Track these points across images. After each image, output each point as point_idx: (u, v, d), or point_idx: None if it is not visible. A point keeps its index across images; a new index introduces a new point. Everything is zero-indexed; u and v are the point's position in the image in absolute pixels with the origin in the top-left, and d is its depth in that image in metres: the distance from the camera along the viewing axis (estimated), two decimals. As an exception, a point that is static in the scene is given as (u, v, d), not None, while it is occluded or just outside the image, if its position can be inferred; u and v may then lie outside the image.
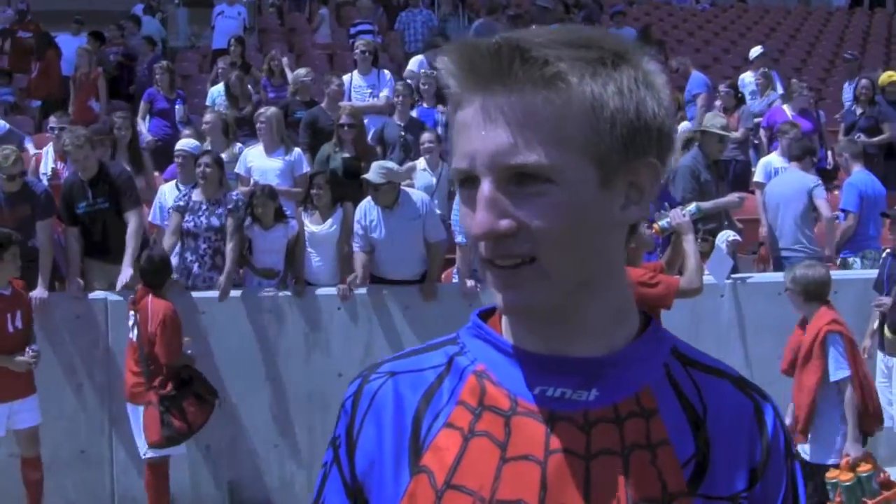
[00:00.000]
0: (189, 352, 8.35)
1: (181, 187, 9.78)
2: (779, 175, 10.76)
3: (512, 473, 1.45)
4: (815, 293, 6.95)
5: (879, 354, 8.28)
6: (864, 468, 6.83)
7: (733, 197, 10.04)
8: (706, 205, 9.47)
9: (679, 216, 7.66)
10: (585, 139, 1.39)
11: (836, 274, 8.24)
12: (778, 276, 9.54)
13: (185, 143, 10.42)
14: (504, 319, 1.56)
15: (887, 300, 7.74)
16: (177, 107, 13.60)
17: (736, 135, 10.30)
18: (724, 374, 1.57)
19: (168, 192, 9.87)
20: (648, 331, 1.56)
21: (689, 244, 7.56)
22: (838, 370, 6.89)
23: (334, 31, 20.23)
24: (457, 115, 1.44)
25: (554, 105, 1.38)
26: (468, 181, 1.43)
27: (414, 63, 14.51)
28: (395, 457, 1.51)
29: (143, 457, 8.24)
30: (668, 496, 1.46)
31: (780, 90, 15.68)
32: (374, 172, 9.04)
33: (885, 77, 14.81)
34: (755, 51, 16.73)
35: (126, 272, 8.73)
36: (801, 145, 10.81)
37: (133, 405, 8.20)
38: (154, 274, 8.19)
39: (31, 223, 8.83)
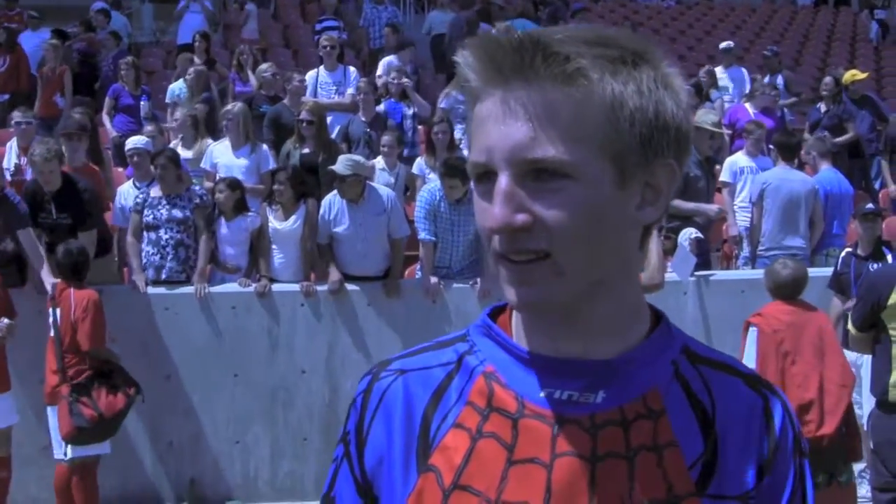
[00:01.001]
0: (113, 349, 8.20)
1: (138, 184, 9.78)
2: (774, 172, 10.59)
3: (518, 475, 1.45)
4: (772, 291, 6.99)
5: (846, 352, 8.31)
6: None
7: (713, 207, 10.01)
8: (688, 206, 9.50)
9: None
10: (604, 137, 1.39)
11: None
12: (742, 274, 9.62)
13: (137, 140, 10.37)
14: (514, 318, 1.56)
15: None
16: (142, 103, 13.48)
17: (728, 131, 10.24)
18: (735, 370, 1.57)
19: (127, 193, 9.80)
20: (658, 329, 1.55)
21: (652, 241, 7.58)
22: (745, 360, 6.98)
23: (270, 26, 20.19)
24: (475, 108, 1.44)
25: (574, 101, 1.38)
26: (485, 175, 1.43)
27: (382, 66, 14.47)
28: (404, 455, 1.52)
29: (64, 458, 7.96)
30: (675, 498, 1.46)
31: (747, 87, 15.78)
32: (342, 164, 9.06)
33: (849, 76, 14.93)
34: (724, 45, 16.85)
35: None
36: (790, 142, 10.82)
37: (51, 407, 7.99)
38: (73, 267, 8.07)
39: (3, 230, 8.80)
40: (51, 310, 8.04)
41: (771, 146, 11.63)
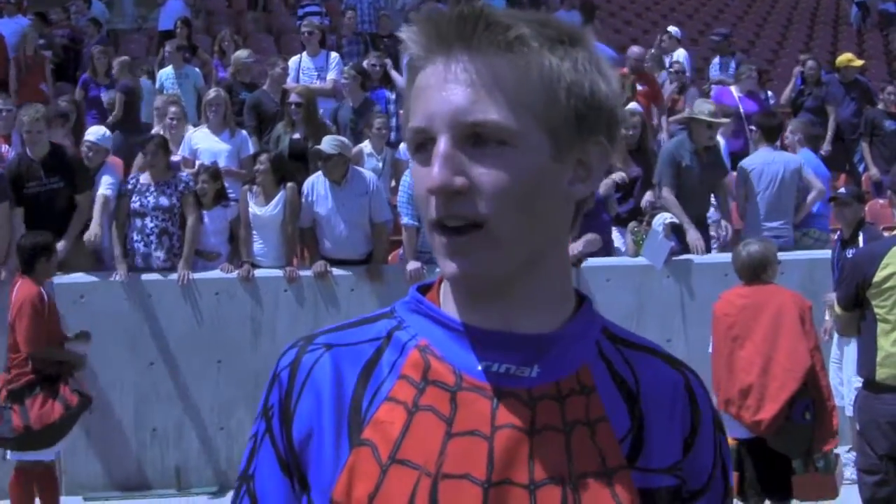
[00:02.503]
0: (81, 350, 7.84)
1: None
2: (758, 156, 10.54)
3: (458, 448, 1.45)
4: (736, 272, 6.99)
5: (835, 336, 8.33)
6: None
7: (693, 237, 9.69)
8: (682, 215, 9.51)
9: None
10: (542, 107, 1.42)
11: (782, 255, 8.27)
12: (725, 257, 9.61)
13: (96, 130, 9.97)
14: (443, 294, 1.56)
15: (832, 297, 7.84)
16: (102, 92, 13.30)
17: (725, 121, 10.18)
18: (654, 350, 1.61)
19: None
20: (583, 309, 1.57)
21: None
22: (710, 345, 7.04)
23: (281, 11, 20.15)
24: (416, 79, 1.46)
25: (515, 67, 1.41)
26: (423, 145, 1.45)
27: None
28: (334, 429, 1.49)
29: (9, 458, 7.73)
30: (608, 470, 1.48)
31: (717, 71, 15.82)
32: (327, 143, 9.12)
33: (844, 59, 14.98)
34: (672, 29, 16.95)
35: (63, 243, 8.66)
36: (772, 124, 10.81)
37: None
38: (27, 256, 7.68)
39: None
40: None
41: (752, 128, 11.61)
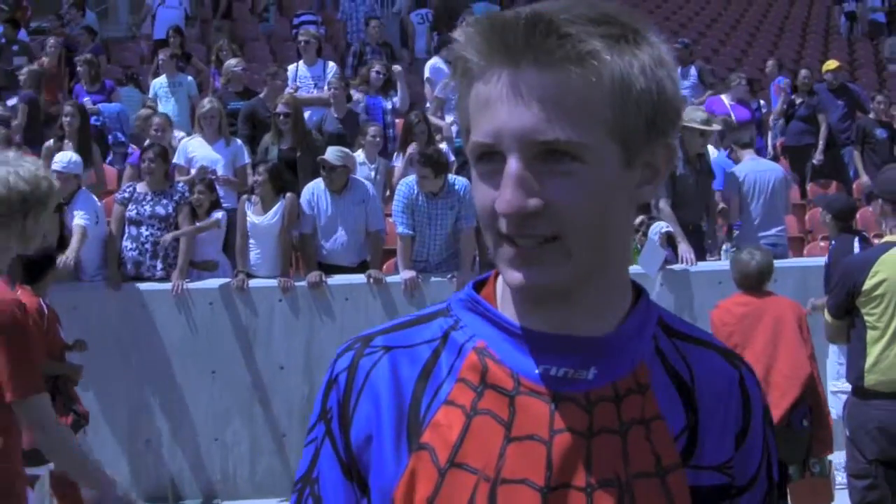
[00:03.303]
0: (76, 360, 7.65)
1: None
2: (747, 166, 10.54)
3: (517, 453, 1.44)
4: (738, 281, 7.00)
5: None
6: None
7: (684, 250, 9.64)
8: (676, 226, 9.51)
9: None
10: (614, 118, 1.39)
11: (776, 262, 8.29)
12: (719, 265, 9.63)
13: (62, 157, 9.54)
14: (500, 294, 1.54)
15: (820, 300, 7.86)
16: (84, 99, 13.06)
17: (717, 128, 10.15)
18: (710, 344, 1.60)
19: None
20: (640, 304, 1.56)
21: None
22: None
23: (248, 21, 20.15)
24: (475, 87, 1.42)
25: (586, 83, 1.36)
26: (487, 156, 1.41)
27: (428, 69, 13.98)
28: (394, 433, 1.49)
29: None
30: (662, 469, 1.47)
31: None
32: (333, 154, 9.20)
33: (827, 65, 15.16)
34: None
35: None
36: (750, 134, 10.88)
37: None
38: (31, 266, 7.44)
39: None
40: None
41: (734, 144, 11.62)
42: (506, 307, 1.52)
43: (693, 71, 15.64)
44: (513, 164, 1.37)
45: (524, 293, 1.45)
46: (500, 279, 1.54)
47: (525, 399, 1.46)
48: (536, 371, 1.47)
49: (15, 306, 3.95)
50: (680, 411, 1.51)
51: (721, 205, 10.43)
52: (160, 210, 9.15)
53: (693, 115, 9.82)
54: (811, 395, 6.73)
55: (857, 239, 8.39)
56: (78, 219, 9.00)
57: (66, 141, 10.67)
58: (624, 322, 1.51)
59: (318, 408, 1.57)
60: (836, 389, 7.94)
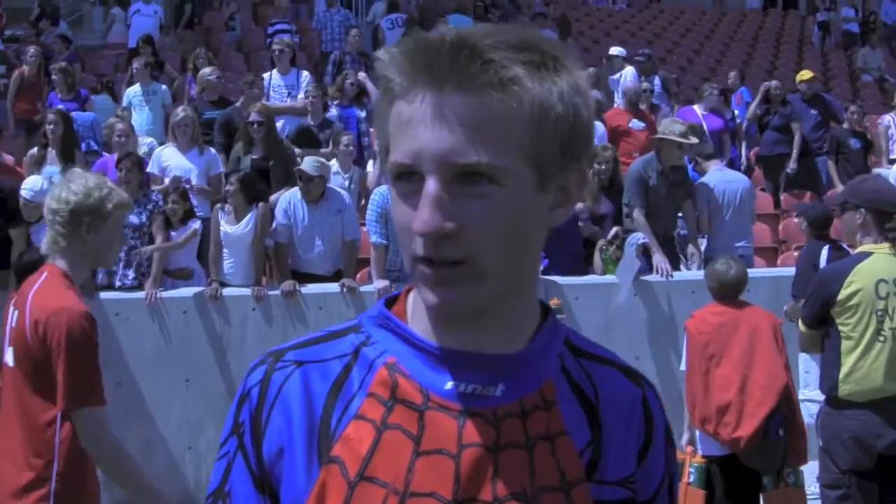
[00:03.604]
0: None
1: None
2: (715, 176, 10.55)
3: (426, 466, 1.46)
4: (715, 291, 7.03)
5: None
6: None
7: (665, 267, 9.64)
8: (652, 238, 9.53)
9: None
10: (531, 143, 1.41)
11: (750, 272, 8.32)
12: (692, 275, 9.65)
13: (32, 184, 9.29)
14: (411, 311, 1.57)
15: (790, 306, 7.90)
16: (58, 107, 12.97)
17: (694, 141, 10.12)
18: (614, 363, 1.64)
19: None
20: (547, 323, 1.59)
21: None
22: (682, 362, 7.10)
23: (250, 29, 20.12)
24: (396, 107, 1.44)
25: (507, 108, 1.39)
26: (406, 175, 1.43)
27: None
28: (306, 447, 1.51)
29: None
30: (567, 484, 1.51)
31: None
32: (309, 165, 9.18)
33: (800, 75, 15.28)
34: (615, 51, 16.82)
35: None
36: (709, 146, 10.94)
37: None
38: (25, 274, 7.72)
39: None
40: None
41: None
42: (416, 323, 1.55)
43: (657, 80, 15.64)
44: (431, 186, 1.39)
45: (438, 313, 1.48)
46: (411, 296, 1.58)
47: (434, 414, 1.48)
48: (446, 387, 1.49)
49: (83, 318, 4.12)
50: (585, 427, 1.55)
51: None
52: (134, 219, 9.11)
53: (672, 128, 9.80)
54: (786, 405, 6.75)
55: (827, 247, 8.43)
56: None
57: (49, 149, 10.63)
58: (532, 340, 1.55)
59: (230, 422, 1.58)
60: (804, 398, 7.96)
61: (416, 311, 1.55)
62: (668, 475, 1.64)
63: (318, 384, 1.53)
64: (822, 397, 8.00)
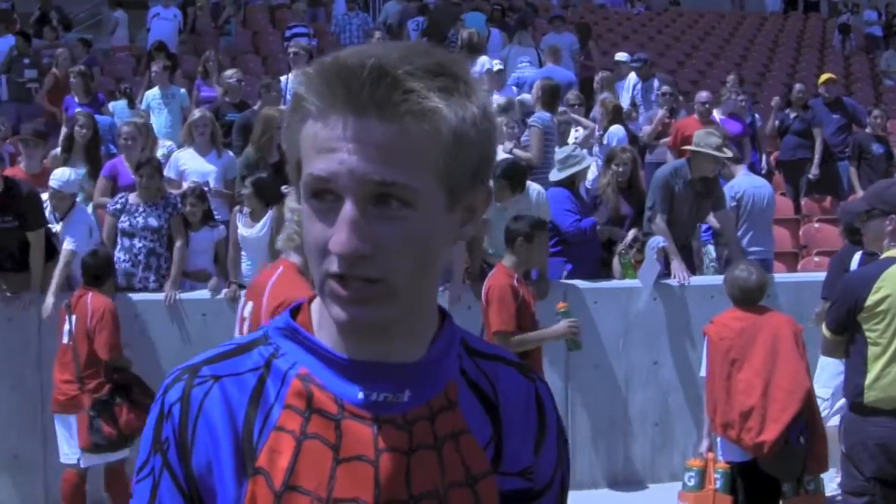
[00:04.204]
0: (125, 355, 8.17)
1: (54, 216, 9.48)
2: (744, 181, 10.50)
3: (346, 473, 1.53)
4: (736, 297, 6.98)
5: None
6: (693, 463, 7.21)
7: (677, 269, 9.63)
8: (671, 243, 9.47)
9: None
10: (445, 166, 1.48)
11: (771, 277, 8.30)
12: (712, 280, 9.60)
13: (61, 175, 9.33)
14: (317, 321, 1.62)
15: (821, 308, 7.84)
16: (76, 111, 13.01)
17: (729, 154, 9.99)
18: (506, 360, 1.73)
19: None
20: (444, 327, 1.66)
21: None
22: (702, 368, 7.07)
23: (239, 33, 20.10)
24: (309, 126, 1.48)
25: (424, 135, 1.45)
26: (321, 193, 1.47)
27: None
28: (232, 459, 1.54)
29: (77, 464, 8.00)
30: (472, 478, 1.59)
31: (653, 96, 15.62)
32: None
33: (822, 78, 15.22)
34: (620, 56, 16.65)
35: (49, 301, 8.59)
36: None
37: (62, 415, 8.02)
38: (95, 272, 8.12)
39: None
40: (66, 316, 8.04)
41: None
42: (322, 333, 1.60)
43: (656, 84, 15.50)
44: (348, 208, 1.45)
45: (348, 329, 1.53)
46: (314, 305, 1.64)
47: (350, 423, 1.55)
48: (358, 396, 1.56)
49: None
50: (485, 423, 1.64)
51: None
52: (153, 222, 9.11)
53: (708, 141, 9.60)
54: (808, 411, 6.71)
55: (861, 253, 8.38)
56: (67, 243, 8.94)
57: (74, 151, 10.64)
58: (432, 346, 1.62)
59: (149, 440, 1.59)
60: None
61: (323, 322, 1.60)
62: (560, 466, 1.74)
63: (237, 397, 1.57)
64: (829, 395, 8.02)
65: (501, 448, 1.63)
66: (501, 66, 14.22)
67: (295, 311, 1.66)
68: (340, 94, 1.44)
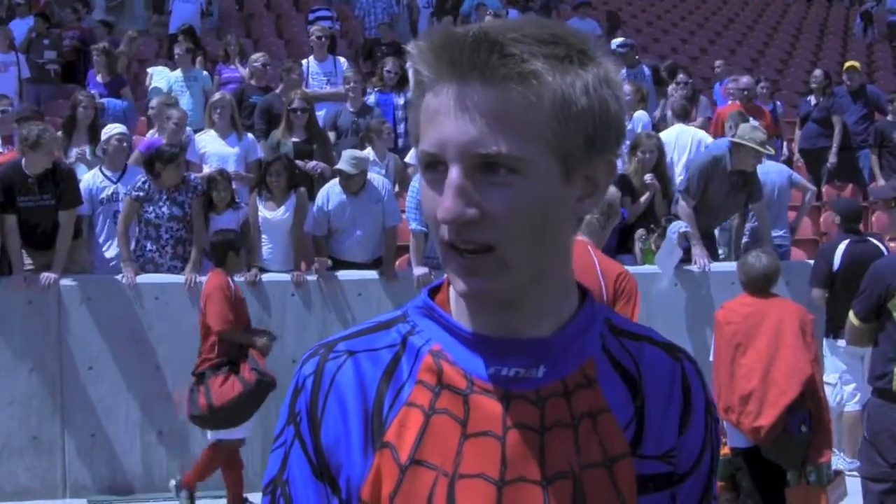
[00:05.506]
0: (262, 340, 8.24)
1: (105, 172, 9.65)
2: (763, 164, 10.54)
3: (473, 449, 1.52)
4: (744, 283, 6.99)
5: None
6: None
7: (700, 254, 9.69)
8: (693, 227, 9.46)
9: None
10: (553, 135, 1.45)
11: (787, 263, 8.30)
12: (733, 266, 9.59)
13: (115, 127, 10.02)
14: (453, 300, 1.62)
15: None
16: (92, 91, 12.67)
17: (770, 151, 9.95)
18: (653, 340, 1.68)
19: (91, 179, 9.62)
20: (585, 305, 1.63)
21: None
22: (711, 353, 7.08)
23: (263, 16, 20.08)
24: (426, 99, 1.49)
25: (527, 100, 1.43)
26: (433, 165, 1.48)
27: None
28: (360, 433, 1.56)
29: (209, 437, 8.28)
30: (609, 459, 1.56)
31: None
32: (347, 163, 9.20)
33: (847, 65, 15.22)
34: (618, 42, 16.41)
35: (54, 273, 8.77)
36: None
37: None
38: (219, 251, 8.33)
39: None
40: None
41: None
42: (459, 311, 1.61)
43: (646, 71, 15.21)
44: (454, 174, 1.45)
45: (468, 300, 1.55)
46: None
47: (478, 398, 1.54)
48: (489, 371, 1.55)
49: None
50: (627, 403, 1.60)
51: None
52: (177, 210, 9.16)
53: (753, 135, 9.58)
54: (812, 401, 6.70)
55: (847, 241, 8.52)
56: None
57: (77, 131, 10.68)
58: (570, 323, 1.60)
59: (285, 413, 1.63)
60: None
61: (459, 300, 1.60)
62: (708, 447, 1.68)
63: (371, 373, 1.59)
64: (835, 381, 8.04)
65: (643, 429, 1.60)
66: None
67: (435, 289, 1.66)
68: (445, 62, 1.45)
